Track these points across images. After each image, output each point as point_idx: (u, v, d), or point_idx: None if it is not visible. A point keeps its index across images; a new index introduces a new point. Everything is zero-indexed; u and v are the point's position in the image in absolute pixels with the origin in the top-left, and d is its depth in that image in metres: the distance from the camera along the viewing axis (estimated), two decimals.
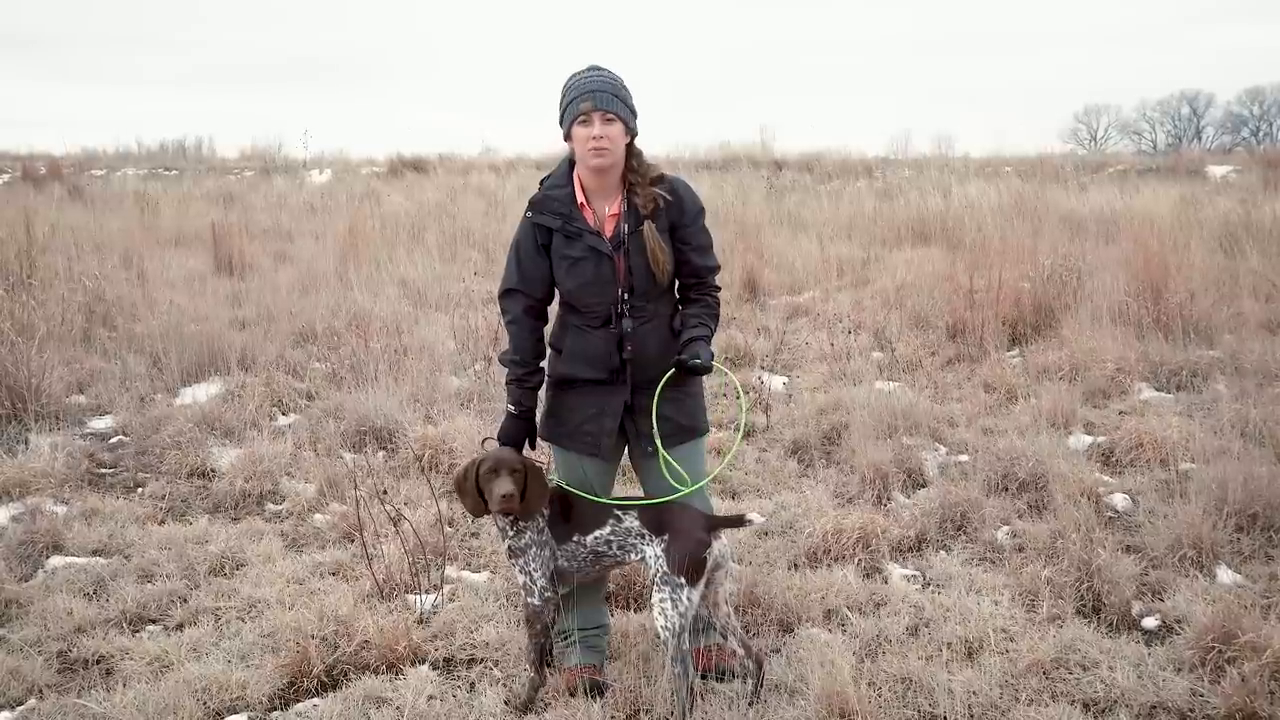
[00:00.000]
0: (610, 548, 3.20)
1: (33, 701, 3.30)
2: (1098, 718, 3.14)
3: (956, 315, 7.54)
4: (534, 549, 3.21)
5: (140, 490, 5.15)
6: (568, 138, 3.24)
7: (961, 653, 3.44)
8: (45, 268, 8.55)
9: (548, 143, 22.05)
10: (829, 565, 4.16)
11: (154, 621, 3.86)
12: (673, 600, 3.04)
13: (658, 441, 3.23)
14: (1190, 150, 27.53)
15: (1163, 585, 3.92)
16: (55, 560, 4.28)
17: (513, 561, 3.25)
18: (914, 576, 4.12)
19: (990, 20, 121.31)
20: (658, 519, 3.16)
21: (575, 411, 3.31)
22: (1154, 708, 3.16)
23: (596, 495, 3.34)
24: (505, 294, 3.34)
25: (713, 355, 3.22)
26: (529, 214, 3.28)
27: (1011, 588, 3.93)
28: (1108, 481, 4.94)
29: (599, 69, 3.26)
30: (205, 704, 3.23)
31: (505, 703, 3.24)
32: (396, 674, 3.41)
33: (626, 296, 3.23)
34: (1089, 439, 5.50)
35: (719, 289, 3.40)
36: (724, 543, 3.18)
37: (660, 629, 3.06)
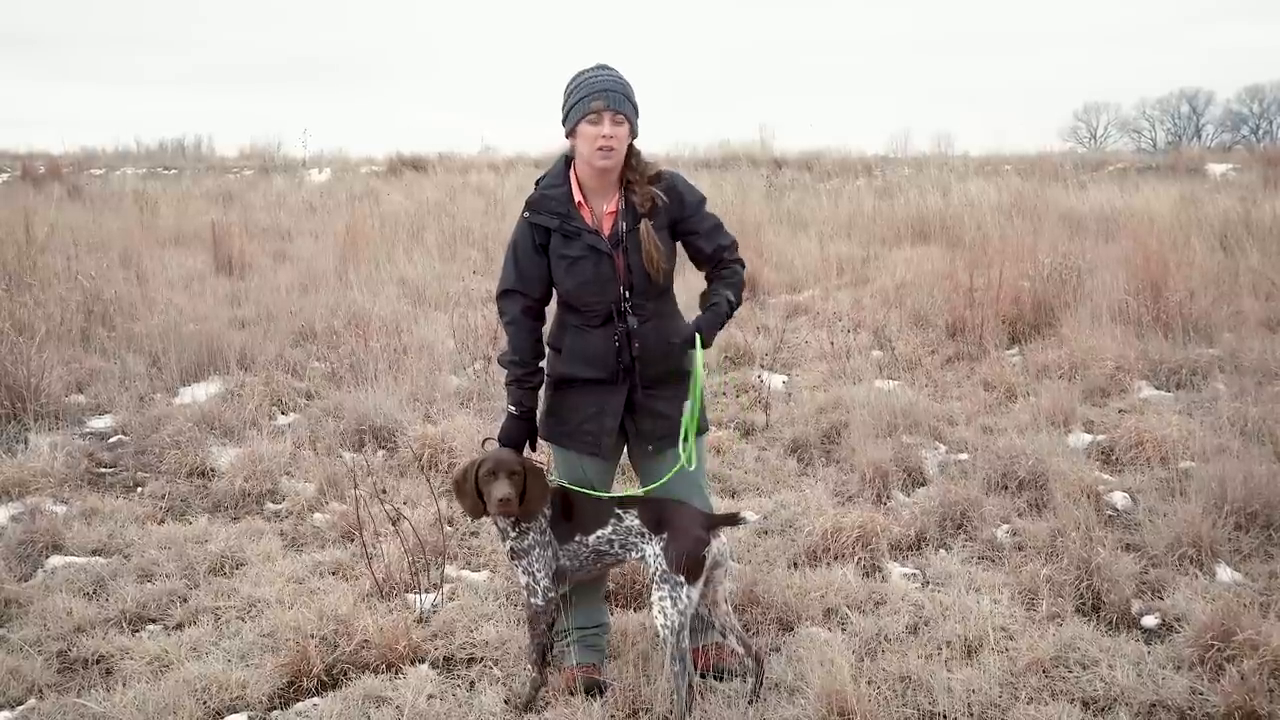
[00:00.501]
0: (612, 546, 3.21)
1: (32, 701, 3.30)
2: (1097, 716, 3.14)
3: (956, 314, 7.54)
4: (537, 549, 3.20)
5: (140, 490, 5.15)
6: (571, 134, 3.23)
7: (961, 651, 3.45)
8: (44, 267, 8.56)
9: (547, 142, 22.05)
10: (829, 564, 4.16)
11: (154, 621, 3.86)
12: (672, 598, 3.04)
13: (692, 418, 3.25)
14: (1190, 148, 27.49)
15: (1162, 583, 3.92)
16: (55, 560, 4.28)
17: (515, 562, 3.25)
18: (913, 575, 4.12)
19: (990, 20, 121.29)
20: (657, 517, 3.16)
21: (575, 411, 3.31)
22: (1153, 706, 3.16)
23: (597, 493, 3.35)
24: (503, 295, 3.33)
25: (712, 325, 3.21)
26: (526, 214, 3.27)
27: (1011, 586, 3.93)
28: (1107, 480, 4.94)
29: (608, 68, 3.25)
30: (205, 703, 3.23)
31: (505, 702, 3.24)
32: (396, 673, 3.41)
33: (628, 294, 3.23)
34: (1089, 437, 5.50)
35: (741, 263, 3.37)
36: (723, 541, 3.18)
37: (660, 627, 3.06)
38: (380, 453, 5.52)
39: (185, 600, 3.97)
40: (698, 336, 3.18)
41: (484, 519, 3.47)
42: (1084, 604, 3.81)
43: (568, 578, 3.30)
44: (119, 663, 3.50)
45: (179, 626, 3.79)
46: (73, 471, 5.21)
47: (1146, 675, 3.27)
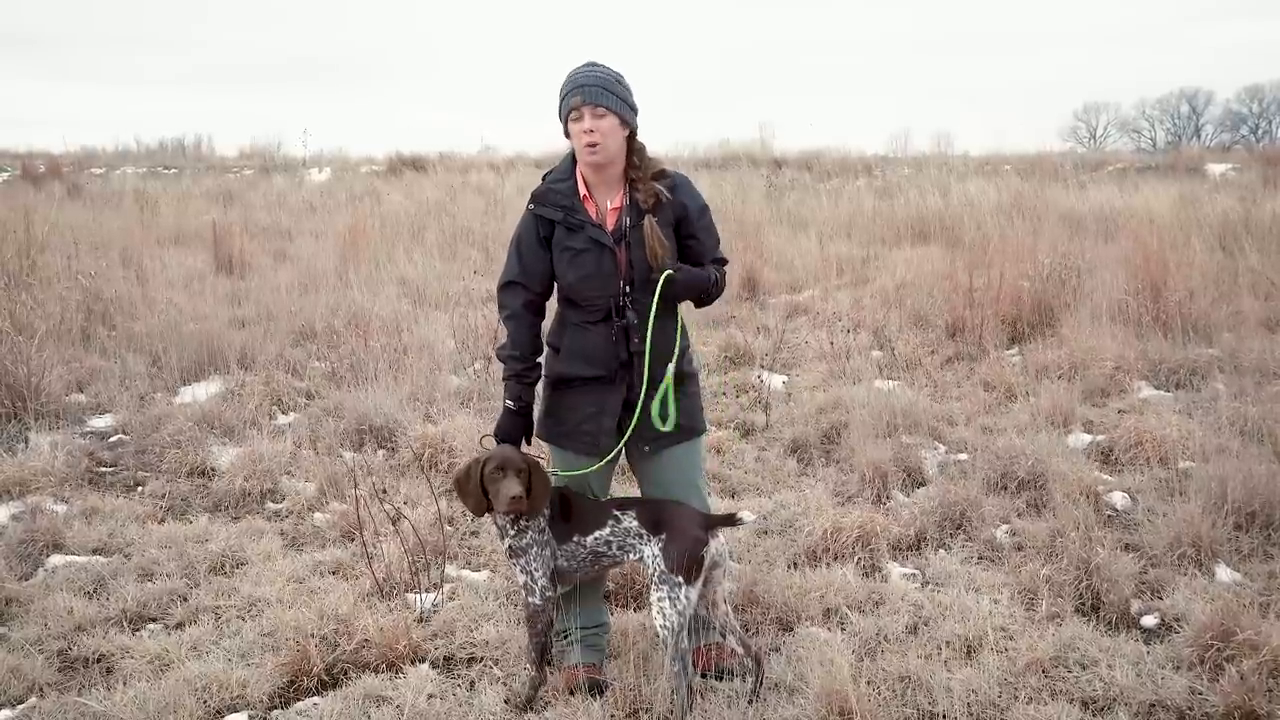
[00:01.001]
0: (610, 548, 3.21)
1: (33, 700, 3.30)
2: (1097, 716, 3.14)
3: (956, 314, 7.55)
4: (535, 548, 3.21)
5: (140, 489, 5.15)
6: (566, 135, 3.25)
7: (961, 651, 3.45)
8: (44, 266, 8.56)
9: (547, 141, 22.04)
10: (828, 564, 4.16)
11: (154, 620, 3.86)
12: (671, 599, 3.05)
13: (669, 378, 3.24)
14: (1189, 148, 27.48)
15: (1162, 583, 3.92)
16: (55, 559, 4.28)
17: (513, 561, 3.25)
18: (913, 575, 4.13)
19: (990, 20, 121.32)
20: (655, 518, 3.16)
21: (574, 411, 3.31)
22: (1153, 706, 3.17)
23: (595, 495, 3.37)
24: (505, 287, 3.33)
25: (682, 275, 3.20)
26: (531, 206, 3.28)
27: (1010, 586, 3.93)
28: (1107, 480, 4.94)
29: (594, 64, 3.25)
30: (205, 702, 3.23)
31: (505, 701, 3.24)
32: (396, 673, 3.41)
33: (628, 290, 3.23)
34: (1088, 437, 5.50)
35: (726, 262, 3.43)
36: (721, 541, 3.18)
37: (659, 628, 3.06)
38: (380, 452, 5.52)
39: (186, 599, 3.98)
40: (667, 272, 3.17)
41: (484, 517, 3.47)
42: (1083, 604, 3.81)
43: (567, 578, 3.30)
44: (119, 662, 3.50)
45: (179, 626, 3.79)
46: (73, 471, 5.22)
47: (1146, 675, 3.27)
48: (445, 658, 3.56)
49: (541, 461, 3.28)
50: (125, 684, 3.31)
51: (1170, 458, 4.97)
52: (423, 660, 3.52)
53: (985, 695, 3.18)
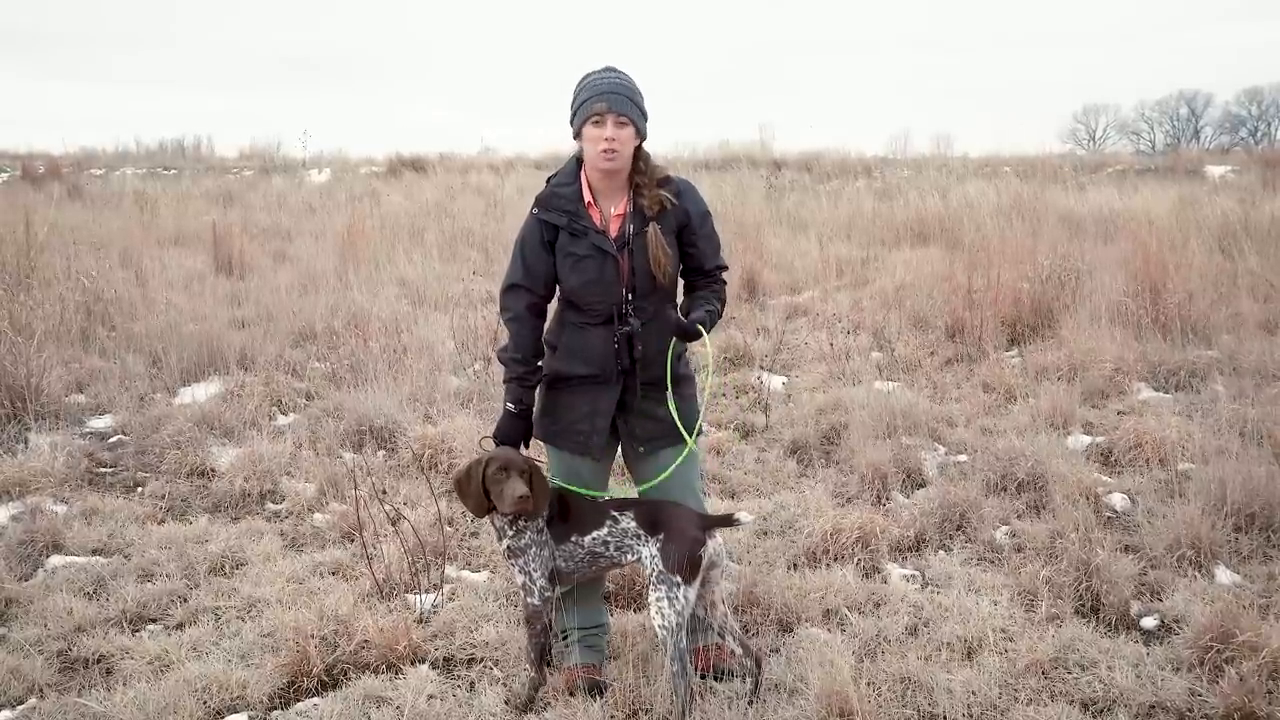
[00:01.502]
0: (607, 548, 3.21)
1: (33, 700, 3.30)
2: (1096, 717, 3.15)
3: (955, 315, 7.55)
4: (534, 549, 3.21)
5: (140, 490, 5.15)
6: (578, 136, 3.25)
7: (961, 652, 3.45)
8: (44, 267, 8.54)
9: (547, 142, 22.10)
10: (828, 565, 4.16)
11: (154, 621, 3.86)
12: (669, 599, 3.05)
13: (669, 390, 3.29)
14: (1189, 150, 27.46)
15: (1161, 585, 3.92)
16: (55, 559, 4.28)
17: (512, 561, 3.26)
18: (913, 576, 4.13)
19: (990, 20, 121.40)
20: (653, 519, 3.16)
21: (569, 410, 3.32)
22: (1152, 707, 3.17)
23: (594, 495, 3.36)
24: (508, 289, 3.34)
25: (703, 324, 3.23)
26: (535, 210, 3.28)
27: (1010, 588, 3.93)
28: (1106, 481, 4.95)
29: (615, 70, 3.26)
30: (205, 703, 3.23)
31: (505, 702, 3.24)
32: (396, 673, 3.41)
33: (630, 297, 3.23)
34: (1088, 439, 5.51)
35: (725, 282, 3.44)
36: (719, 542, 3.19)
37: (658, 628, 3.06)
38: (380, 453, 5.52)
39: (185, 600, 3.98)
40: (704, 330, 3.22)
41: (483, 518, 3.47)
42: (1083, 605, 3.81)
43: (565, 579, 3.30)
44: (119, 662, 3.50)
45: (179, 626, 3.79)
46: (73, 471, 5.22)
47: (1145, 677, 3.27)
48: (445, 658, 3.56)
49: (540, 465, 3.29)
50: (125, 685, 3.31)
51: (1170, 459, 4.98)
52: (422, 661, 3.52)
53: (985, 696, 3.18)
